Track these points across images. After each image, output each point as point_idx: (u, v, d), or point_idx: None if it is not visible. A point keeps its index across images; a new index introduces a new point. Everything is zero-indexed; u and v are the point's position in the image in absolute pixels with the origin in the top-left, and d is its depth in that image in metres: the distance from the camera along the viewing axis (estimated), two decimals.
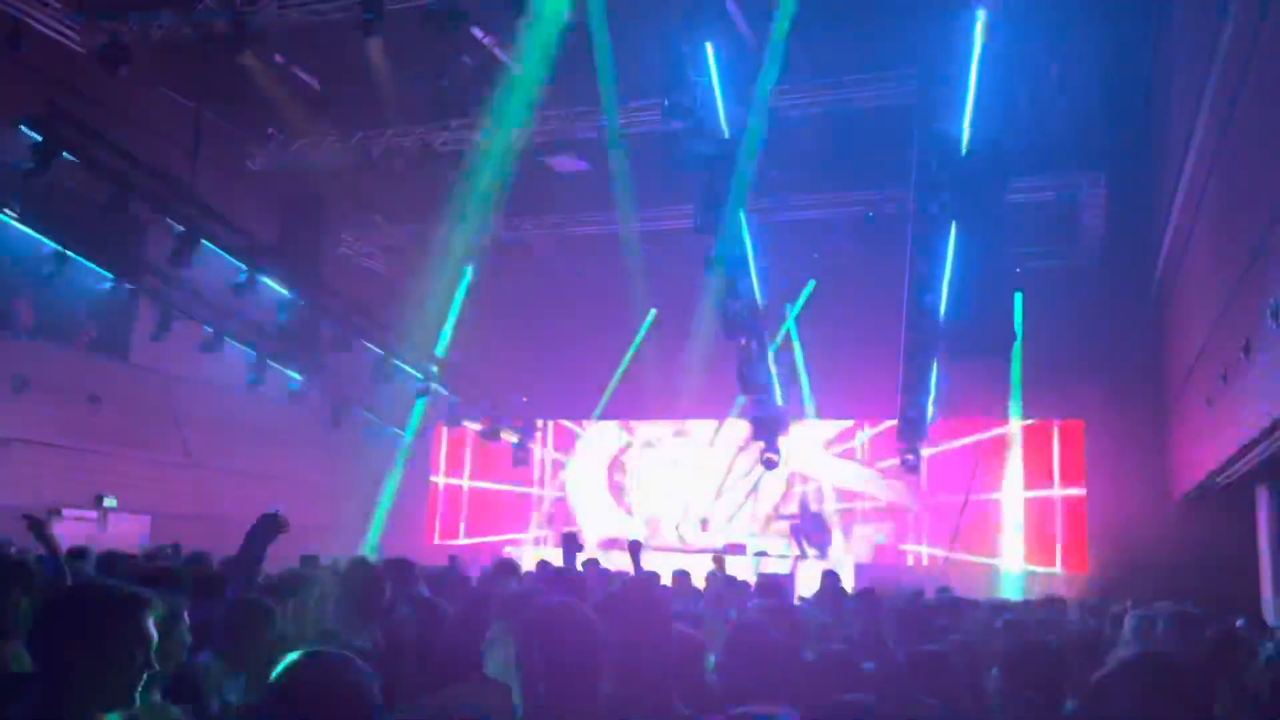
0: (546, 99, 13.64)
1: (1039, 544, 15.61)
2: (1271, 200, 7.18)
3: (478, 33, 12.77)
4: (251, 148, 15.60)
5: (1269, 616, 10.30)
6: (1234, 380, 9.04)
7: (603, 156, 14.01)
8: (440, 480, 19.78)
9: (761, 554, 14.96)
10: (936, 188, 9.03)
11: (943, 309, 10.83)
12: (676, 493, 18.15)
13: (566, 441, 19.50)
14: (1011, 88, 9.95)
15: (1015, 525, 15.86)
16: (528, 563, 9.48)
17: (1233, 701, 3.93)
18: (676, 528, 17.43)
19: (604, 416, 19.11)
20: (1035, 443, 16.15)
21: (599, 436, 19.29)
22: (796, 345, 16.40)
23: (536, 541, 18.15)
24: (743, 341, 12.34)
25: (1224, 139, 9.05)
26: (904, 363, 12.64)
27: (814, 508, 15.27)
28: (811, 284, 16.61)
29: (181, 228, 11.37)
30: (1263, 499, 10.75)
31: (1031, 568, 15.20)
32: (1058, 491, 15.70)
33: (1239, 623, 5.36)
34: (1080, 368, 14.70)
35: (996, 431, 16.25)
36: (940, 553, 15.57)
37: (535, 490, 19.26)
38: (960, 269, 9.93)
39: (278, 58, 13.71)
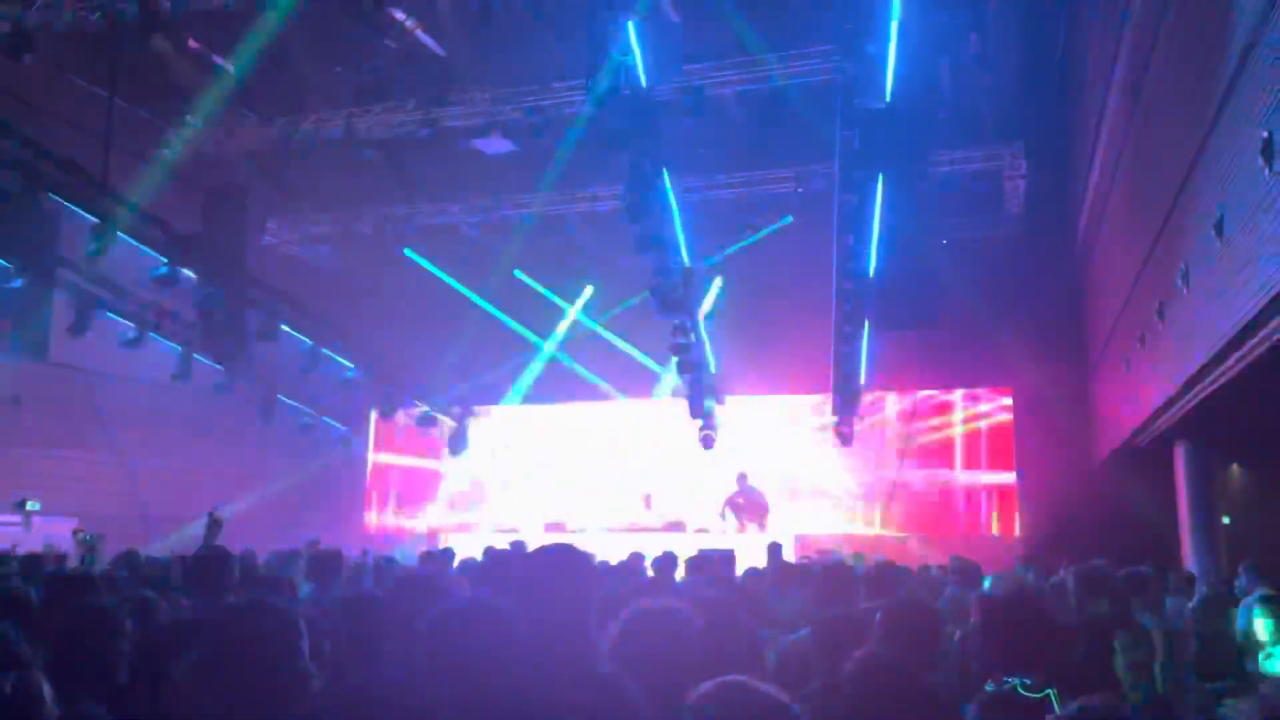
0: (472, 80, 13.52)
1: (971, 509, 15.97)
2: (1181, 167, 7.40)
3: (399, 15, 12.57)
4: (168, 135, 15.19)
5: (1189, 568, 10.68)
6: (1150, 342, 9.33)
7: (530, 137, 13.89)
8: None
9: (701, 531, 15.05)
10: (860, 162, 9.14)
11: (870, 282, 10.98)
12: (617, 473, 18.18)
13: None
14: (931, 61, 10.07)
15: (947, 493, 16.23)
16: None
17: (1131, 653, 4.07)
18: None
19: (540, 399, 19.06)
20: (967, 410, 16.50)
21: (540, 419, 19.25)
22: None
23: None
24: (676, 320, 12.39)
25: (1135, 109, 9.30)
26: (835, 336, 12.82)
27: (752, 483, 15.38)
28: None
29: (96, 220, 11.04)
30: (1180, 456, 11.11)
31: (961, 533, 15.53)
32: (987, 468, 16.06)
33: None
34: (1006, 335, 15.00)
35: (926, 392, 16.63)
36: (875, 524, 15.85)
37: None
38: (886, 241, 10.06)
39: (192, 42, 13.34)
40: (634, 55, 8.88)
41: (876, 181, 9.08)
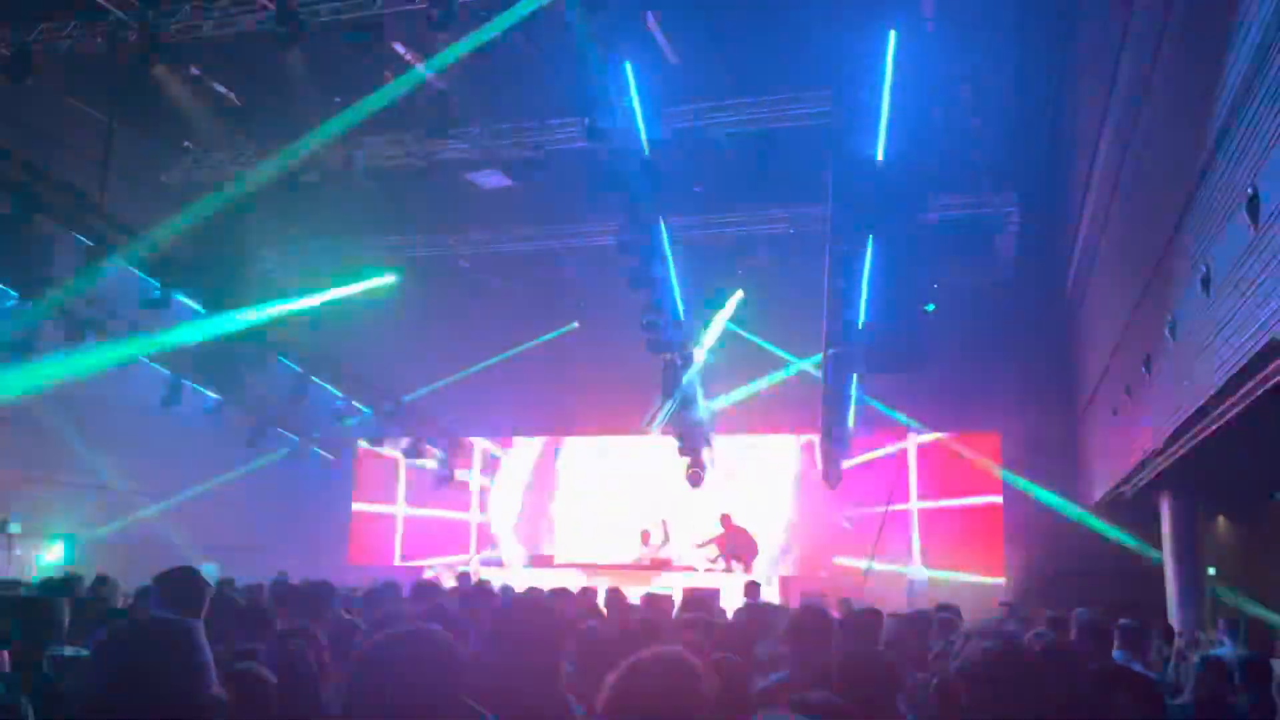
0: (471, 115, 13.60)
1: (957, 553, 15.92)
2: (1169, 221, 7.49)
3: (399, 48, 12.68)
4: (166, 161, 15.24)
5: (1174, 619, 10.69)
6: (1137, 394, 9.38)
7: (527, 172, 13.98)
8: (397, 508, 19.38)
9: (689, 569, 15.00)
10: (853, 207, 9.22)
11: (861, 324, 11.05)
12: (603, 510, 18.14)
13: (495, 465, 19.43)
14: (925, 108, 10.20)
15: (933, 535, 16.22)
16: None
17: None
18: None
19: (530, 433, 19.03)
20: (952, 455, 16.52)
21: (525, 455, 19.21)
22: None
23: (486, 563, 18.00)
24: (666, 357, 12.42)
25: (1124, 162, 9.41)
26: (825, 378, 12.87)
27: (737, 523, 15.34)
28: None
29: (91, 243, 11.06)
30: (1165, 508, 11.14)
31: (949, 576, 15.49)
32: (975, 501, 16.06)
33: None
34: (994, 381, 15.07)
35: (916, 441, 16.68)
36: (863, 564, 15.79)
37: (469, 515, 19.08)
38: (877, 285, 10.14)
39: (193, 70, 13.42)
40: (631, 95, 8.98)
41: (868, 229, 9.17)
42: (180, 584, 4.00)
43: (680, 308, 12.14)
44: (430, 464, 17.14)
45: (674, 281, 11.69)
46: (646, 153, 9.46)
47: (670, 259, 11.38)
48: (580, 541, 17.92)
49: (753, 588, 9.10)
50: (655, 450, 17.24)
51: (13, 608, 4.08)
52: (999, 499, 15.90)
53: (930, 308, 13.31)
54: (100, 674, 2.19)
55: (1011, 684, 2.80)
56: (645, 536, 15.79)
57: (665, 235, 11.09)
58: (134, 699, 2.10)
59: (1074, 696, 3.23)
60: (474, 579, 10.91)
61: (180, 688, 2.15)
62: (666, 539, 15.41)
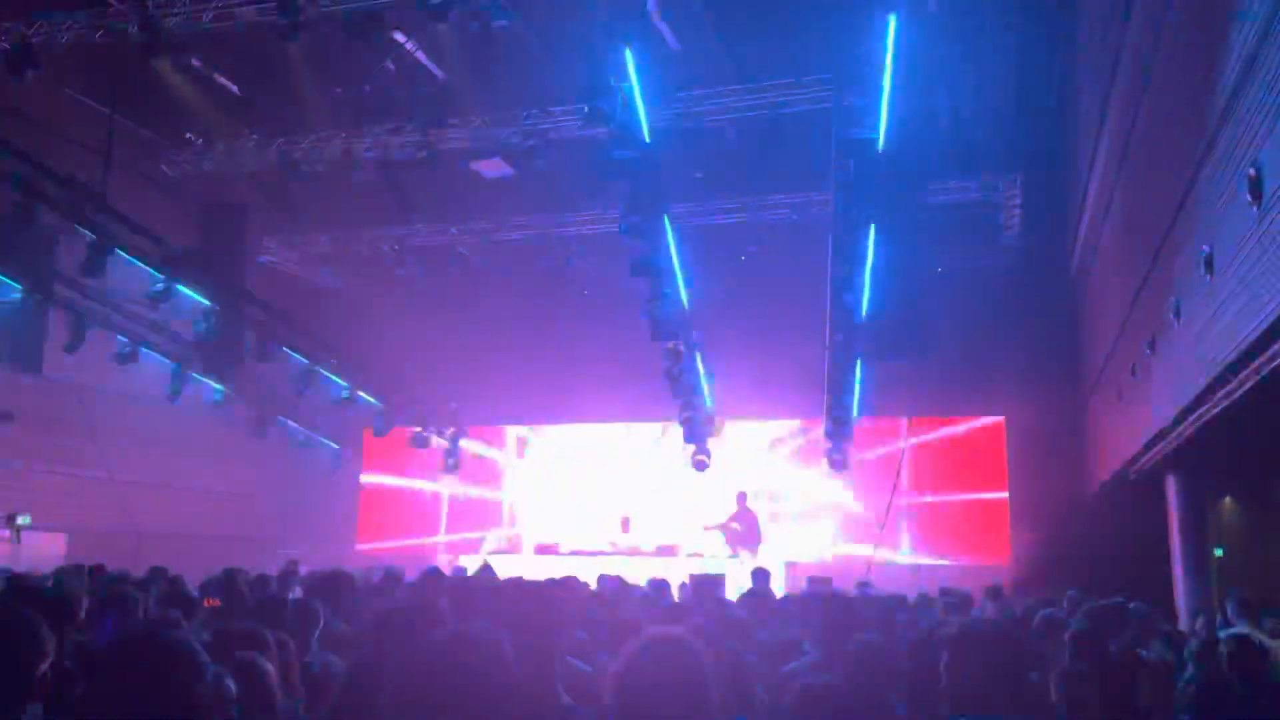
0: (471, 103, 13.60)
1: (961, 538, 15.94)
2: (1172, 201, 7.47)
3: (400, 37, 12.66)
4: (168, 153, 15.25)
5: (1180, 600, 10.70)
6: (1143, 375, 9.38)
7: (528, 161, 13.97)
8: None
9: (694, 555, 15.04)
10: (855, 190, 9.20)
11: (864, 310, 11.04)
12: (613, 496, 18.16)
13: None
14: (927, 92, 10.17)
15: (937, 523, 16.24)
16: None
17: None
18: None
19: (544, 421, 19.05)
20: (958, 440, 16.52)
21: (544, 440, 19.25)
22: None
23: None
24: (670, 344, 12.40)
25: (1128, 144, 9.38)
26: (829, 364, 12.86)
27: (750, 505, 15.35)
28: None
29: (93, 236, 11.07)
30: (1172, 488, 11.12)
31: (953, 561, 15.51)
32: (982, 493, 16.05)
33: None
34: (999, 365, 15.04)
35: (928, 436, 16.69)
36: (868, 551, 15.82)
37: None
38: (880, 270, 10.12)
39: (195, 62, 13.42)
40: (632, 81, 8.94)
41: (870, 218, 9.15)
42: None
43: (683, 294, 12.12)
44: (442, 442, 17.19)
45: (677, 268, 11.67)
46: (648, 139, 9.43)
47: (673, 245, 11.35)
48: (579, 528, 17.98)
49: (761, 574, 9.11)
50: (660, 437, 17.29)
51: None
52: (1003, 490, 15.91)
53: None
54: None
55: (997, 663, 2.80)
56: (625, 524, 15.83)
57: (668, 221, 11.06)
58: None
59: (1100, 680, 3.24)
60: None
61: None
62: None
